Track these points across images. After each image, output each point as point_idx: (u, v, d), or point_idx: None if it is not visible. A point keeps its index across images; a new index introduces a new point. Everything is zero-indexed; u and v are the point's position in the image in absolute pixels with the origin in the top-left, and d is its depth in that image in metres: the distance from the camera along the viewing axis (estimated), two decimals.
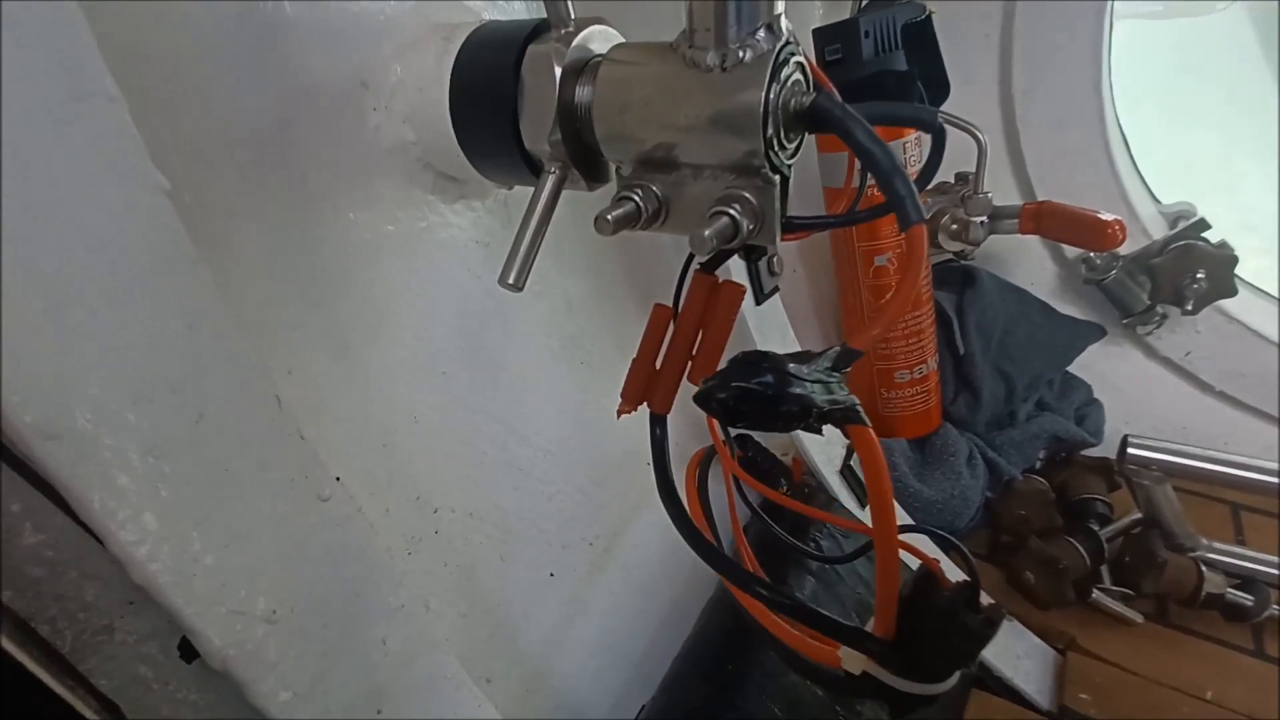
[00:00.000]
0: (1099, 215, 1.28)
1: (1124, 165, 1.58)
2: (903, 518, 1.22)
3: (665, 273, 0.68)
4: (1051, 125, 1.58)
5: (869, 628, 0.50)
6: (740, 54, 0.50)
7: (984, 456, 1.49)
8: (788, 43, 0.51)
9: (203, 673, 0.53)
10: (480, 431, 0.89)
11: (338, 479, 0.60)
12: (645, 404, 0.68)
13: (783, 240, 0.58)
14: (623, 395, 0.70)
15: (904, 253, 0.50)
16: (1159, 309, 1.55)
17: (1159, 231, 1.57)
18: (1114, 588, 1.27)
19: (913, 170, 1.31)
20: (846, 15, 1.29)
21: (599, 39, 0.62)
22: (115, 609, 0.51)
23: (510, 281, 0.62)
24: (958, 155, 1.45)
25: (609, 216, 0.57)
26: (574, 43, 0.60)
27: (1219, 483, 1.27)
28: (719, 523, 0.73)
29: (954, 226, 1.48)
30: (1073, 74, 1.53)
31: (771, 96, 0.50)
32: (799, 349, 0.50)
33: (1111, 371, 1.67)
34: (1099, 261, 1.58)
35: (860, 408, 0.44)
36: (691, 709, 0.92)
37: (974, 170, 1.42)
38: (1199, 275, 1.48)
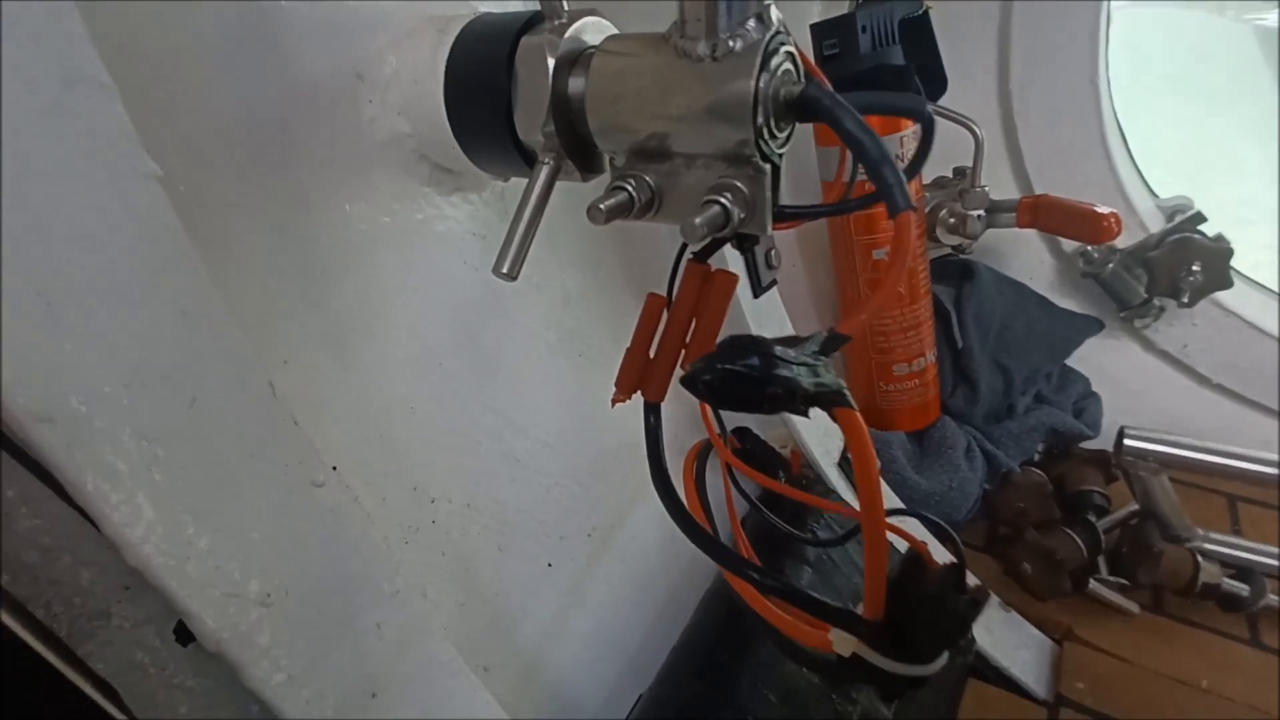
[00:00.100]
0: (1095, 208, 1.29)
1: (1121, 159, 1.59)
2: (897, 504, 1.23)
3: (662, 265, 0.69)
4: (1048, 120, 1.58)
5: (859, 611, 0.50)
6: (731, 44, 0.51)
7: (982, 449, 1.49)
8: (778, 32, 0.52)
9: (199, 657, 0.53)
10: (477, 423, 0.89)
11: (334, 469, 0.61)
12: (640, 392, 0.69)
13: (774, 229, 0.59)
14: (617, 384, 0.71)
15: (893, 238, 0.50)
16: (1156, 302, 1.56)
17: (1156, 225, 1.57)
18: (1110, 578, 1.27)
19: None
20: (844, 11, 1.30)
21: (592, 30, 0.62)
22: (111, 594, 0.51)
23: (505, 271, 0.63)
24: (956, 150, 1.47)
25: (601, 206, 0.57)
26: (567, 34, 0.60)
27: (1215, 474, 1.28)
28: (717, 517, 0.74)
29: (951, 220, 1.49)
30: (1069, 69, 1.53)
31: (761, 85, 0.51)
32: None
33: (1109, 364, 1.67)
34: (1096, 255, 1.58)
35: (847, 391, 0.44)
36: (686, 701, 0.92)
37: (971, 165, 1.43)
38: (1194, 268, 1.49)
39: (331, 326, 0.73)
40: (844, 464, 1.24)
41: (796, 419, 1.13)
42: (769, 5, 0.51)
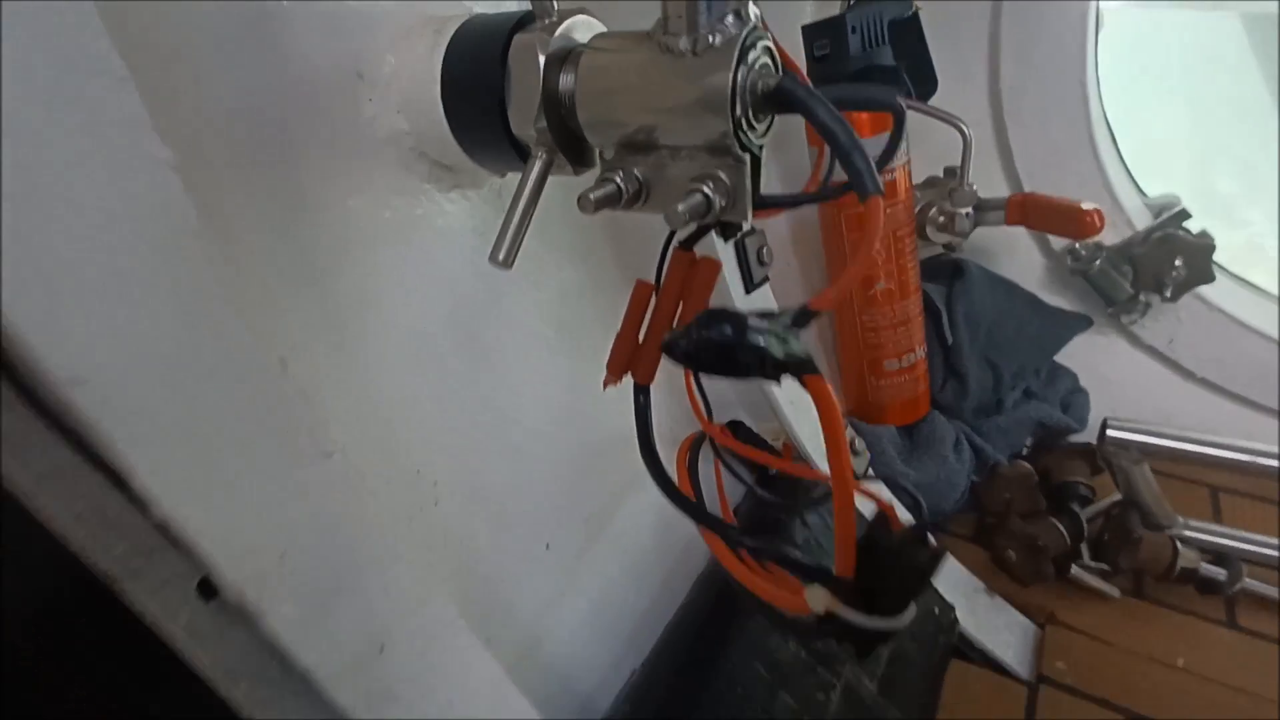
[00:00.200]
0: (1079, 205, 1.32)
1: (1109, 158, 1.62)
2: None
3: (655, 262, 0.72)
4: (1038, 120, 1.62)
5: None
6: (710, 39, 0.55)
7: (971, 443, 1.53)
8: (754, 28, 0.56)
9: (219, 613, 0.57)
10: (476, 413, 0.93)
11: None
12: (630, 375, 0.73)
13: (755, 217, 0.62)
14: (608, 367, 0.75)
15: (863, 221, 0.54)
16: (1142, 298, 1.59)
17: (1144, 223, 1.61)
18: (1092, 564, 1.31)
19: (900, 162, 1.36)
20: (835, 12, 1.33)
21: (581, 29, 0.66)
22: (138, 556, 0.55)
23: (500, 259, 0.66)
24: (947, 150, 1.51)
25: (591, 196, 0.61)
26: (557, 32, 0.64)
27: (1194, 462, 1.32)
28: (711, 509, 0.77)
29: (941, 219, 1.53)
30: (1058, 70, 1.57)
31: (739, 78, 0.55)
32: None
33: (1097, 360, 1.71)
34: (1084, 253, 1.62)
35: (814, 360, 0.48)
36: (678, 671, 0.96)
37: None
38: (1177, 263, 1.52)
39: (333, 317, 0.77)
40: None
41: (782, 402, 1.17)
42: (747, 2, 0.55)
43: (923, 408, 1.57)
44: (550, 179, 0.69)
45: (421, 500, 0.86)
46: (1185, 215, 1.57)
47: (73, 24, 0.45)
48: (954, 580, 1.31)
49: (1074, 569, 1.30)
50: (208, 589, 0.57)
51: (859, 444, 1.38)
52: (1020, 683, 1.17)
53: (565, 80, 0.64)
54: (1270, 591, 1.24)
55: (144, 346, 0.49)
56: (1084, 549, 1.33)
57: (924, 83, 1.46)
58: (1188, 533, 1.31)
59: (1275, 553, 1.28)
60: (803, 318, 0.52)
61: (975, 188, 1.48)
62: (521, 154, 0.70)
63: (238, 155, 0.68)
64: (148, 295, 0.49)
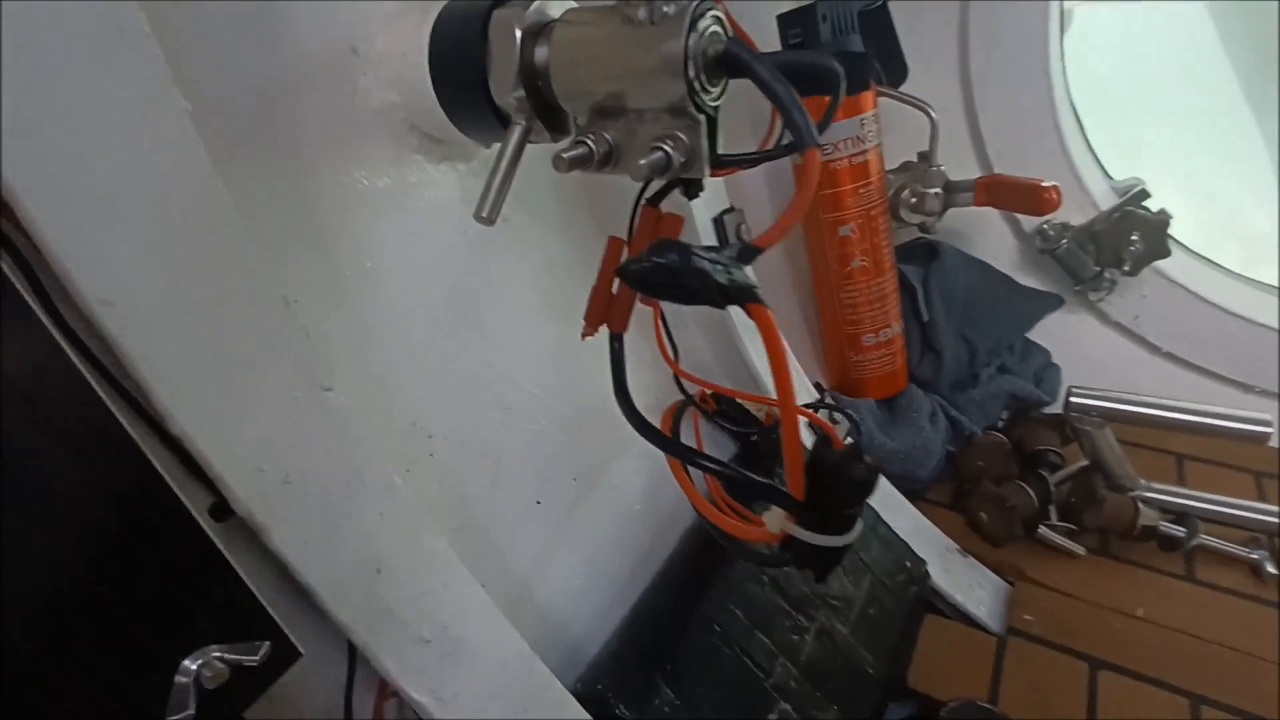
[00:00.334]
0: (1038, 183, 1.40)
1: (1075, 143, 1.69)
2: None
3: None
4: (1006, 107, 1.68)
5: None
6: (665, 9, 0.61)
7: (947, 414, 1.59)
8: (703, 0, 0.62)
9: (231, 532, 0.63)
10: (469, 370, 0.99)
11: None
12: (605, 325, 0.79)
13: (713, 175, 0.68)
14: (585, 319, 0.80)
15: (801, 171, 0.60)
16: (1107, 275, 1.66)
17: (1109, 204, 1.67)
18: (1059, 524, 1.37)
19: (872, 144, 1.42)
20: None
21: (554, 4, 0.72)
22: None
23: (484, 215, 0.72)
24: (920, 137, 1.57)
25: (565, 156, 0.67)
26: (532, 8, 0.70)
27: (1152, 425, 1.39)
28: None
29: (913, 200, 1.59)
30: (1023, 60, 1.64)
31: (690, 45, 0.61)
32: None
33: (1068, 337, 1.79)
34: (1052, 233, 1.68)
35: (758, 290, 0.54)
36: (662, 613, 1.02)
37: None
38: (1134, 238, 1.59)
39: (332, 275, 0.83)
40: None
41: (741, 333, 1.23)
42: None
43: (901, 381, 1.63)
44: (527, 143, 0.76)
45: (418, 451, 0.92)
46: (1145, 195, 1.64)
47: None
48: (930, 541, 1.37)
49: (1042, 529, 1.36)
50: (219, 513, 0.64)
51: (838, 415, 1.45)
52: (991, 635, 1.23)
53: (540, 53, 0.71)
54: (1225, 546, 1.31)
55: (163, 275, 0.55)
56: (1052, 510, 1.39)
57: (894, 70, 1.53)
58: (1149, 494, 1.37)
59: (1229, 510, 1.35)
60: (747, 253, 0.58)
61: (944, 169, 1.55)
62: (503, 123, 0.76)
63: (243, 122, 0.75)
64: (168, 228, 0.55)
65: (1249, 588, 1.27)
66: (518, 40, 0.70)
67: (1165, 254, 1.61)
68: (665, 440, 0.68)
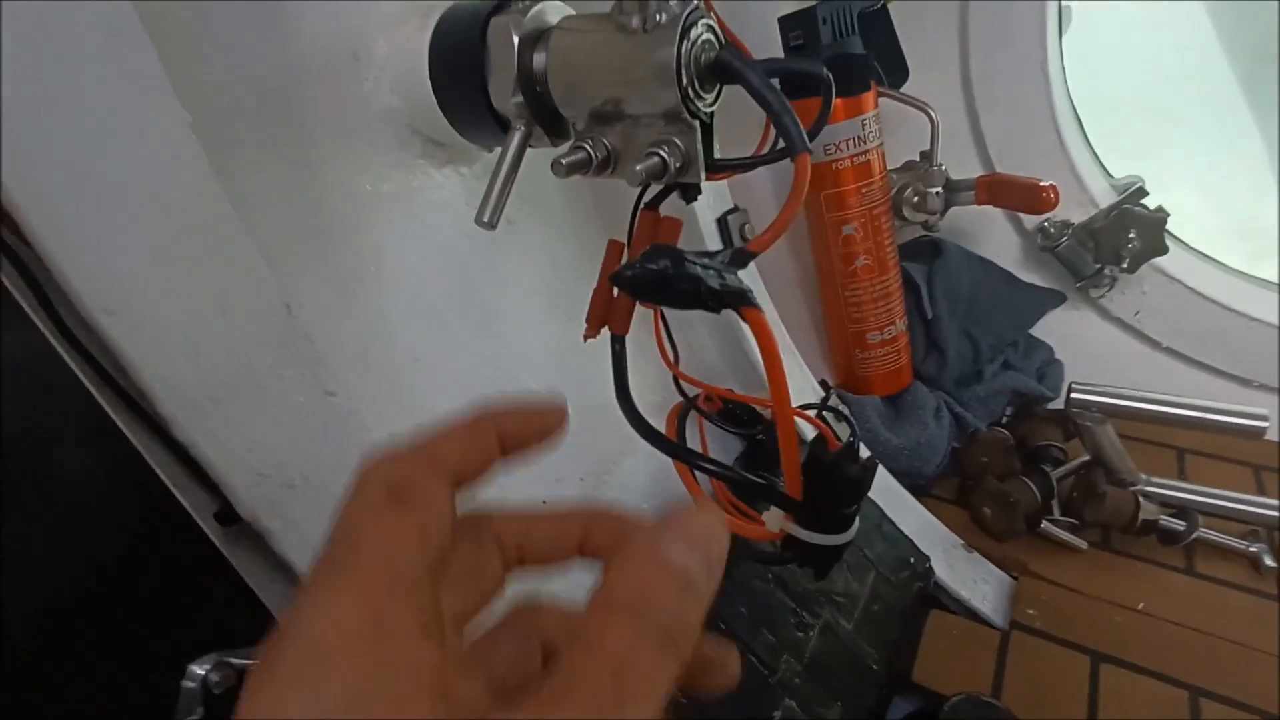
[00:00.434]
0: (1036, 181, 1.41)
1: (1074, 142, 1.70)
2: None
3: None
4: (1006, 106, 1.70)
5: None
6: (658, 17, 0.62)
7: (951, 411, 1.61)
8: (696, 7, 0.63)
9: (236, 538, 0.64)
10: (475, 372, 1.01)
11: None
12: (606, 327, 0.80)
13: (709, 179, 0.70)
14: (587, 321, 0.81)
15: (794, 176, 0.61)
16: (1106, 271, 1.67)
17: (1109, 202, 1.68)
18: (1061, 519, 1.38)
19: (874, 144, 1.43)
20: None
21: (552, 11, 0.74)
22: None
23: (485, 220, 0.74)
24: (923, 137, 1.59)
25: (563, 162, 0.68)
26: (529, 15, 0.72)
27: (1153, 420, 1.40)
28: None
29: (915, 199, 1.60)
30: (1021, 59, 1.65)
31: (683, 52, 0.62)
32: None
33: (1070, 333, 1.80)
34: (1053, 230, 1.70)
35: (751, 294, 0.55)
36: None
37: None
38: (1131, 235, 1.60)
39: (337, 279, 0.85)
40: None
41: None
42: None
43: (906, 378, 1.65)
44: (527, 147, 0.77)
45: None
46: (1143, 193, 1.66)
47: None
48: (935, 537, 1.38)
49: (1045, 524, 1.37)
50: (224, 518, 0.65)
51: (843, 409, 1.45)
52: (995, 629, 1.24)
53: (538, 59, 0.72)
54: (1224, 540, 1.32)
55: (165, 282, 0.56)
56: (1054, 505, 1.41)
57: (895, 71, 1.54)
58: (1149, 488, 1.39)
59: (1228, 504, 1.37)
60: (740, 257, 0.59)
61: (945, 168, 1.57)
62: (503, 127, 0.78)
63: (248, 126, 0.76)
64: (169, 235, 0.57)
65: (1248, 581, 1.29)
66: (515, 47, 0.72)
67: (1163, 251, 1.63)
68: (664, 442, 0.69)
